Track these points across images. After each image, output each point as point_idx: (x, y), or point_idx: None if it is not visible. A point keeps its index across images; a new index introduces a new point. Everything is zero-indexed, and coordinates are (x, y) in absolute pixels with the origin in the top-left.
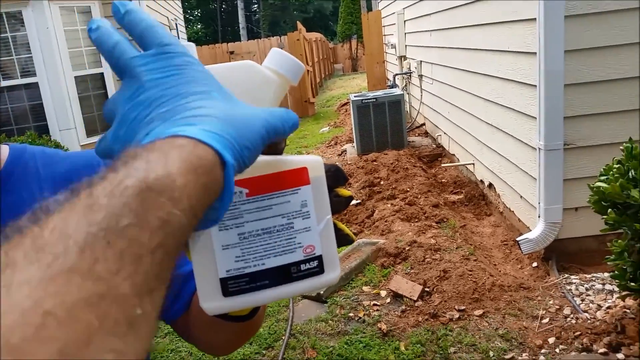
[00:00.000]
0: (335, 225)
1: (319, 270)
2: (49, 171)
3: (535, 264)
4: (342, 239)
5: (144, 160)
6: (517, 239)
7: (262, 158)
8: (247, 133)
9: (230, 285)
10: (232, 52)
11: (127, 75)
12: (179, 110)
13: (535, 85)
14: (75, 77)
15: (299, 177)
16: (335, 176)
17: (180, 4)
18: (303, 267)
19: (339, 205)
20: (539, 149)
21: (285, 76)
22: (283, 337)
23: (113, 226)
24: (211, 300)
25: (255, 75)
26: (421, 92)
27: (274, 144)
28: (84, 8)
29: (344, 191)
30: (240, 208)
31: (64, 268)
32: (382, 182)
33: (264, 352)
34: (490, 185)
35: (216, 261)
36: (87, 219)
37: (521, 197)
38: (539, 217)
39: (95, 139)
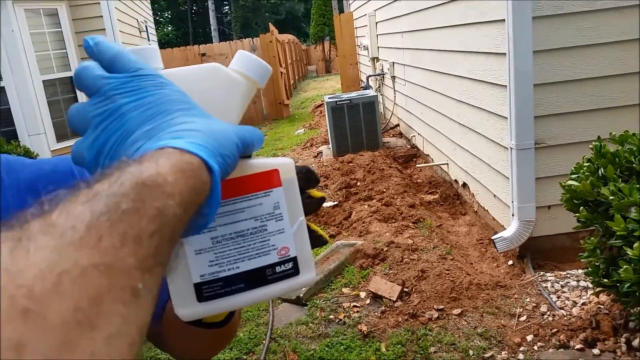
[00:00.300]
0: (308, 227)
1: (294, 271)
2: (13, 178)
3: (510, 262)
4: (316, 240)
5: (137, 165)
6: (492, 237)
7: None
8: (226, 144)
9: (205, 290)
10: (204, 54)
11: (99, 94)
12: (163, 127)
13: (505, 86)
14: (44, 81)
15: (270, 179)
16: (307, 178)
17: (149, 6)
18: (278, 269)
19: (311, 206)
20: (511, 148)
21: (252, 78)
22: (264, 342)
23: (114, 211)
24: (186, 306)
25: (222, 78)
26: (394, 94)
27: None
28: (51, 10)
29: (315, 192)
30: None
31: (74, 239)
32: (358, 184)
33: (244, 357)
34: (465, 184)
35: (189, 266)
36: (90, 206)
37: (495, 196)
38: (512, 215)
39: (66, 143)
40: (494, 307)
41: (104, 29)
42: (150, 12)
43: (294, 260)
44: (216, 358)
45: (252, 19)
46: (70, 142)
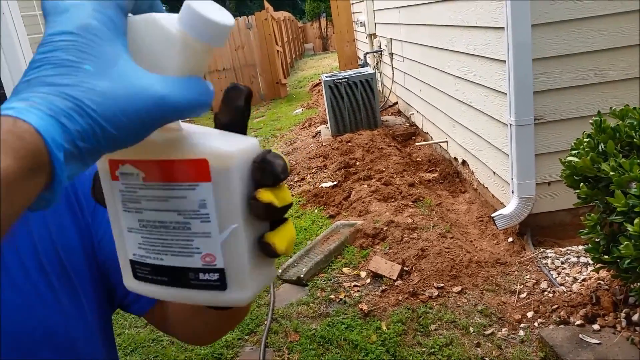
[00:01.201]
0: (261, 236)
1: (220, 285)
2: None
3: (510, 239)
4: (265, 249)
5: None
6: (492, 215)
7: (170, 137)
8: (112, 113)
9: (137, 270)
10: None
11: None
12: (34, 83)
13: (504, 61)
14: None
15: (197, 170)
16: (261, 170)
17: None
18: (202, 276)
19: (257, 210)
20: (510, 124)
21: (198, 39)
22: (265, 322)
23: None
24: (127, 278)
25: (158, 34)
26: (392, 71)
27: (233, 115)
28: None
29: (265, 194)
30: (137, 192)
31: None
32: (357, 163)
33: (246, 337)
34: (464, 162)
35: (125, 242)
36: None
37: (494, 173)
38: (512, 192)
39: None
40: (494, 285)
41: None
42: None
43: (221, 272)
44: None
45: None
46: None
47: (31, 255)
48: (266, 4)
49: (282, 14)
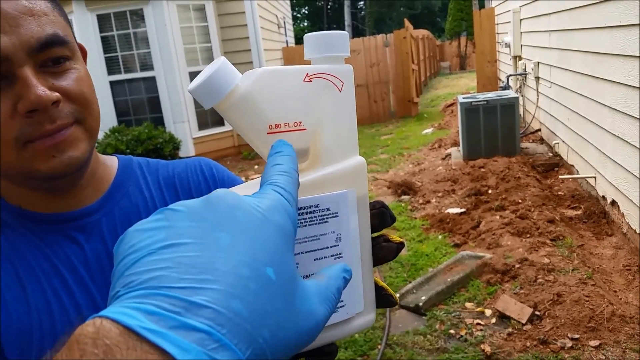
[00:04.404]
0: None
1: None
2: (154, 177)
3: None
4: (389, 300)
5: None
6: None
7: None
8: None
9: None
10: None
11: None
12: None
13: None
14: (190, 73)
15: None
16: (381, 215)
17: (289, 2)
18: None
19: (387, 251)
20: None
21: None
22: (379, 347)
23: None
24: None
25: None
26: (537, 96)
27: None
28: (199, 6)
29: (394, 236)
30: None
31: None
32: (490, 191)
33: (359, 358)
34: (614, 202)
35: None
36: None
37: None
38: None
39: (206, 132)
40: (639, 344)
41: (246, 24)
42: (289, 8)
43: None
44: None
45: (386, 14)
46: (211, 131)
47: None
48: (406, 23)
49: (421, 32)
